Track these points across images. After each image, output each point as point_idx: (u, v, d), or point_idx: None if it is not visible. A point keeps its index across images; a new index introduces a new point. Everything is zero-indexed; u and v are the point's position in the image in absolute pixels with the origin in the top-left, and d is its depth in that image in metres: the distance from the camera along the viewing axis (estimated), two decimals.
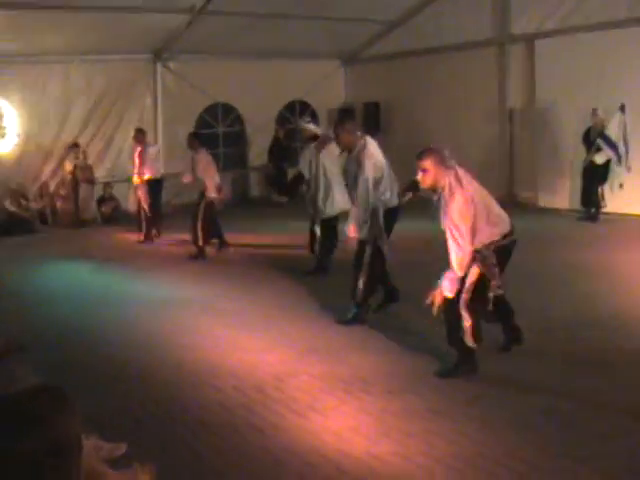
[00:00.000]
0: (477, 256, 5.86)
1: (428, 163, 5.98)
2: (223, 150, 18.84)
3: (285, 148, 18.27)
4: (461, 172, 6.00)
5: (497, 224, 6.04)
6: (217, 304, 8.81)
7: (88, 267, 11.44)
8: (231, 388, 5.99)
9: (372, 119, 18.75)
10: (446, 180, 5.89)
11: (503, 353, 6.55)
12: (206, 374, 6.35)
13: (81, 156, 15.91)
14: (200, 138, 13.04)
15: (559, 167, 15.12)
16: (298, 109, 19.76)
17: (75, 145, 16.06)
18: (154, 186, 13.70)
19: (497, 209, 6.15)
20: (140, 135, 13.82)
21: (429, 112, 17.58)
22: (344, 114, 15.30)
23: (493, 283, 5.92)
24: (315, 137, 10.57)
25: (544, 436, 4.92)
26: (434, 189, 6.00)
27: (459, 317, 5.93)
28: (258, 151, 18.87)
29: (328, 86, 19.52)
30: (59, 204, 16.15)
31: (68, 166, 15.89)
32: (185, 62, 17.39)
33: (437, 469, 4.56)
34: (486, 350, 6.63)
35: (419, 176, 6.07)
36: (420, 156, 6.09)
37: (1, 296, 9.34)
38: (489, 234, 5.92)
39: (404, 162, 18.83)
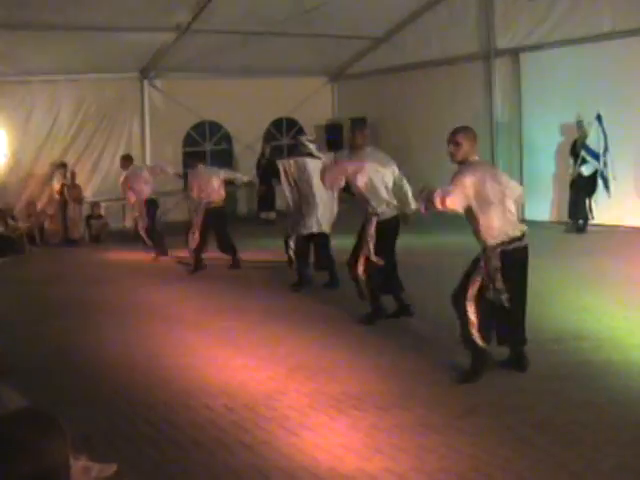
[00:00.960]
0: (484, 256, 6.17)
1: (462, 137, 6.36)
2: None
3: (272, 165, 18.26)
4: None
5: (510, 223, 6.28)
6: (205, 321, 8.78)
7: (77, 286, 11.40)
8: (222, 406, 5.96)
9: None
10: (471, 158, 6.34)
11: (495, 368, 6.53)
12: (197, 392, 6.32)
13: (69, 175, 15.90)
14: (196, 155, 14.28)
15: (545, 179, 15.18)
16: (285, 126, 19.80)
17: (62, 165, 16.05)
18: (151, 206, 13.68)
19: (514, 211, 6.44)
20: (127, 162, 13.88)
21: (416, 126, 17.64)
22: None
23: (496, 284, 6.04)
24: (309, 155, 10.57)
25: (537, 450, 4.90)
26: (461, 163, 6.34)
27: (465, 312, 6.13)
28: (246, 168, 18.83)
29: (315, 103, 19.58)
30: (47, 223, 16.12)
31: (56, 185, 15.88)
32: (172, 80, 17.41)
33: None
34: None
35: (451, 149, 6.40)
36: (456, 131, 6.45)
37: None
38: (500, 229, 6.15)
39: None
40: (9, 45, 13.96)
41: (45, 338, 8.49)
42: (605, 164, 13.59)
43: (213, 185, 12.16)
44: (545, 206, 15.18)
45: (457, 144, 6.33)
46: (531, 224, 14.47)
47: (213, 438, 5.37)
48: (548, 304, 8.73)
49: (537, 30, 15.05)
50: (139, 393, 6.41)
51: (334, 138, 19.15)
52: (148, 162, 17.46)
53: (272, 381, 6.52)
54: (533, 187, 15.37)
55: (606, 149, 13.57)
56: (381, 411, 5.72)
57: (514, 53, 15.58)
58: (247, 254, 12.99)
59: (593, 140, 13.65)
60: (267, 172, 17.80)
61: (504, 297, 6.06)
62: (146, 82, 17.26)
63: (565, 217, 14.37)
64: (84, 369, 7.20)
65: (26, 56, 14.62)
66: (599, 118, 13.55)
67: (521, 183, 15.50)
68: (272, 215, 17.73)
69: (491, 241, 6.14)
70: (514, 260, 6.20)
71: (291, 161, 10.57)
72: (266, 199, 17.86)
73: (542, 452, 4.86)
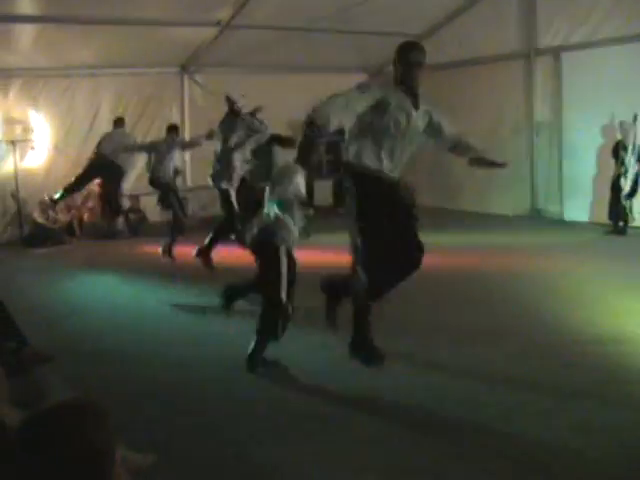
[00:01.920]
0: None
1: None
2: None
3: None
4: None
5: None
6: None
7: (116, 278, 11.50)
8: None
9: None
10: None
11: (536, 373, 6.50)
12: (238, 390, 6.35)
13: None
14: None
15: (585, 181, 15.04)
16: None
17: None
18: None
19: None
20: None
21: (454, 125, 17.51)
22: None
23: None
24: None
25: (576, 453, 4.88)
26: None
27: None
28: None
29: None
30: (86, 216, 16.29)
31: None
32: (212, 75, 17.46)
33: None
34: (512, 366, 6.63)
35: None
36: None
37: (29, 307, 9.38)
38: None
39: (428, 176, 18.93)
40: (52, 39, 14.09)
41: (85, 330, 8.59)
42: None
43: None
44: (585, 207, 15.05)
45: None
46: (570, 225, 14.66)
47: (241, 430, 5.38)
48: (588, 307, 8.66)
49: (579, 29, 14.85)
50: (179, 388, 6.46)
51: None
52: (187, 159, 17.60)
53: None
54: (573, 188, 15.29)
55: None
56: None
57: (555, 52, 15.43)
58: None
59: (631, 141, 13.53)
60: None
61: None
62: (186, 77, 17.34)
63: (605, 219, 14.23)
64: (124, 361, 7.28)
65: (68, 50, 14.75)
66: (635, 118, 13.44)
67: (560, 184, 15.51)
68: (310, 211, 17.67)
69: None
70: None
71: None
72: (307, 193, 17.83)
73: (578, 455, 4.84)
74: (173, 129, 13.89)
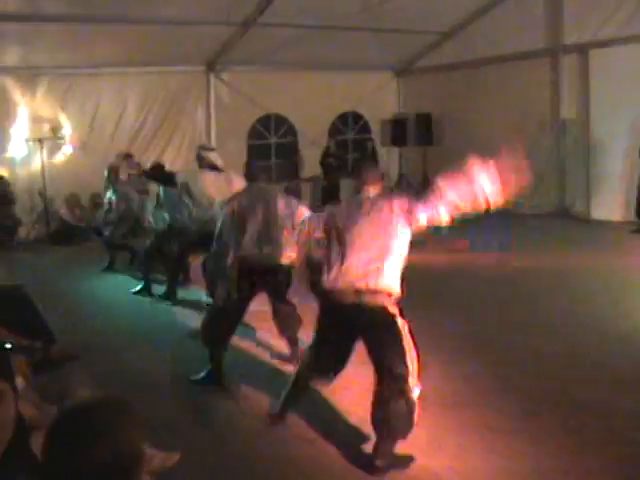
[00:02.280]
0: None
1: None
2: (275, 161, 18.96)
3: (338, 159, 18.18)
4: None
5: None
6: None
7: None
8: None
9: (424, 130, 18.72)
10: None
11: (558, 369, 6.48)
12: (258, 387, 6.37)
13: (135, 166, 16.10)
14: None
15: (612, 179, 14.91)
16: (351, 120, 19.81)
17: (128, 155, 16.25)
18: None
19: None
20: None
21: (481, 123, 17.46)
22: None
23: None
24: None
25: (602, 455, 4.84)
26: None
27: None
28: (310, 162, 18.88)
29: (381, 97, 19.54)
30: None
31: (123, 176, 16.07)
32: (238, 73, 17.50)
33: None
34: (539, 366, 6.60)
35: None
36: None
37: (55, 305, 9.45)
38: None
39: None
40: (78, 37, 14.16)
41: (111, 328, 8.65)
42: None
43: None
44: (612, 206, 14.91)
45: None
46: (597, 224, 14.56)
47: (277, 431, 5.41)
48: (613, 305, 8.61)
49: (607, 26, 14.71)
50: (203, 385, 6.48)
51: (399, 133, 19.11)
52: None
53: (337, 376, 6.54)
54: (599, 187, 15.16)
55: None
56: (444, 409, 5.72)
57: (583, 50, 15.30)
58: None
59: None
60: (332, 166, 17.83)
61: None
62: (212, 75, 17.38)
63: (632, 217, 14.10)
64: (148, 359, 7.32)
65: (95, 48, 14.82)
66: None
67: (587, 182, 15.39)
68: None
69: None
70: None
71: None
72: (331, 193, 17.86)
73: (606, 457, 4.81)
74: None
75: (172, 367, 6.94)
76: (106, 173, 12.99)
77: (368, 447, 5.05)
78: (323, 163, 18.10)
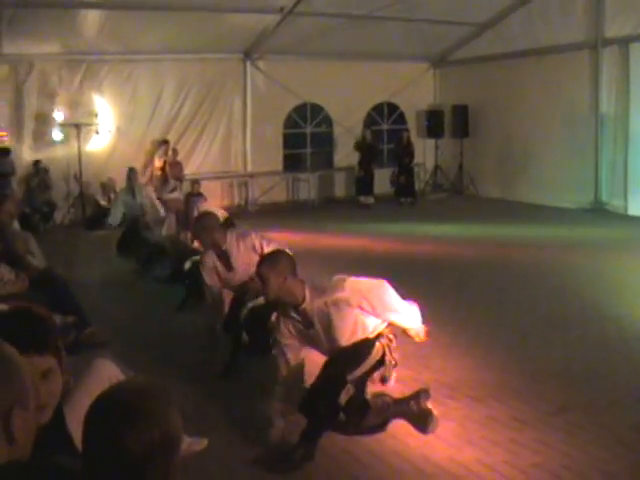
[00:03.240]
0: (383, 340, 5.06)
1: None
2: (310, 150, 18.98)
3: (372, 149, 18.14)
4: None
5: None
6: None
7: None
8: None
9: (460, 122, 18.64)
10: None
11: (590, 364, 6.43)
12: None
13: (170, 152, 16.20)
14: None
15: None
16: (386, 111, 19.75)
17: (164, 142, 16.38)
18: None
19: None
20: None
21: (518, 116, 17.36)
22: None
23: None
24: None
25: (635, 452, 4.78)
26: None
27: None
28: (345, 151, 18.89)
29: (417, 88, 19.47)
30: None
31: (158, 162, 16.20)
32: (275, 62, 17.54)
33: (520, 478, 4.48)
34: (572, 359, 6.55)
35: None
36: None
37: (87, 289, 9.52)
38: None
39: (492, 166, 18.76)
40: (116, 24, 14.26)
41: (139, 314, 8.70)
42: None
43: None
44: None
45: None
46: (634, 220, 14.39)
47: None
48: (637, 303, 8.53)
49: None
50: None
51: (434, 125, 19.04)
52: (248, 144, 17.66)
53: None
54: (637, 182, 14.96)
55: None
56: (474, 402, 5.69)
57: (623, 43, 15.09)
58: (344, 239, 13.05)
59: None
60: (367, 156, 17.80)
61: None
62: (249, 63, 17.42)
63: None
64: (178, 346, 7.36)
65: (132, 35, 14.92)
66: None
67: (625, 178, 15.20)
68: (370, 199, 17.68)
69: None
70: None
71: None
72: (365, 183, 17.84)
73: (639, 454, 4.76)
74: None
75: (203, 358, 6.92)
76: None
77: (399, 432, 5.06)
78: (358, 151, 18.07)
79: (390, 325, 5.11)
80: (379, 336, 4.97)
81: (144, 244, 11.24)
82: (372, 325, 4.95)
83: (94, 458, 1.90)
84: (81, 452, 1.93)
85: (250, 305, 6.81)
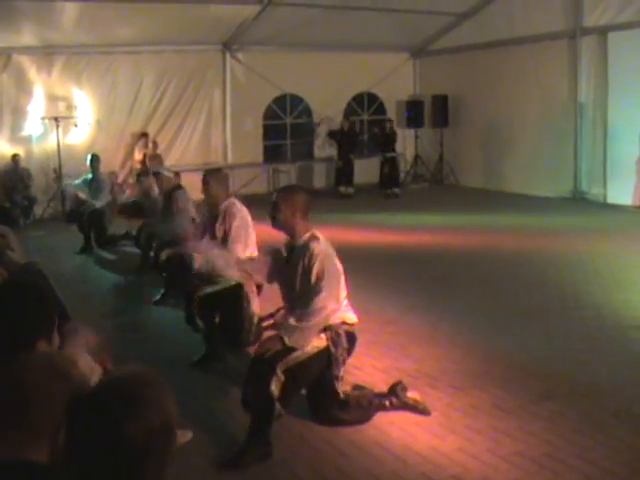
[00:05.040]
0: (329, 333, 4.96)
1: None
2: (290, 141, 18.97)
3: (351, 138, 18.09)
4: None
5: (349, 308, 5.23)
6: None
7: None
8: None
9: (440, 112, 18.65)
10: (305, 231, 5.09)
11: (571, 352, 6.46)
12: None
13: (150, 145, 16.12)
14: None
15: (629, 164, 14.74)
16: (366, 101, 19.75)
17: (144, 134, 16.30)
18: None
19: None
20: None
21: (498, 106, 17.39)
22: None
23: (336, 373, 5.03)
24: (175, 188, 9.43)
25: (615, 440, 4.81)
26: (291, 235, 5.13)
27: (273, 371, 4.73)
28: (326, 143, 18.90)
29: (397, 78, 19.47)
30: (128, 192, 16.35)
31: (138, 155, 16.12)
32: (254, 53, 17.49)
33: (503, 467, 4.51)
34: (553, 348, 6.58)
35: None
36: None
37: (67, 282, 9.49)
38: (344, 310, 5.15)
39: (472, 156, 18.81)
40: (94, 16, 14.16)
41: (121, 303, 8.68)
42: None
43: None
44: (628, 191, 14.76)
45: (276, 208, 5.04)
46: (613, 209, 14.47)
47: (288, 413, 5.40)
48: (629, 291, 8.56)
49: (627, 8, 14.48)
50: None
51: (414, 115, 19.04)
52: (228, 136, 17.61)
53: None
54: (616, 171, 15.03)
55: None
56: (457, 391, 5.70)
57: (602, 32, 15.11)
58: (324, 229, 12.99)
59: None
60: (345, 146, 17.78)
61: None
62: (228, 55, 17.36)
63: None
64: (155, 336, 7.34)
65: (110, 27, 14.82)
66: None
67: (604, 166, 15.26)
68: (350, 190, 17.68)
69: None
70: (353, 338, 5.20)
71: None
72: (344, 173, 17.84)
73: (620, 442, 4.78)
74: None
75: (180, 349, 6.91)
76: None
77: (380, 422, 5.07)
78: (335, 140, 18.03)
79: (343, 322, 5.06)
80: (325, 329, 4.91)
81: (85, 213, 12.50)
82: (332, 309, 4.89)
83: (91, 450, 1.88)
84: (68, 444, 1.91)
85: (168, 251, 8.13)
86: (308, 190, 5.56)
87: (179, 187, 9.64)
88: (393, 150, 17.97)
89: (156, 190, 10.16)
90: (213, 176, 6.85)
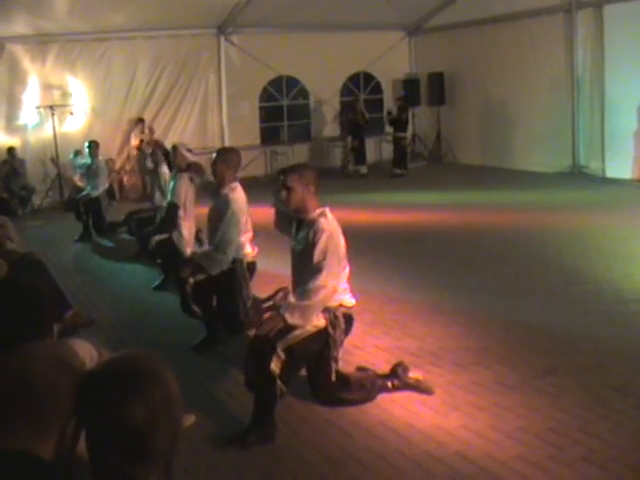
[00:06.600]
0: (327, 314, 4.95)
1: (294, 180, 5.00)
2: (287, 123, 18.93)
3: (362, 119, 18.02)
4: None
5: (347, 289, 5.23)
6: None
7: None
8: None
9: (437, 90, 18.58)
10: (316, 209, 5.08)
11: (572, 327, 6.46)
12: None
13: (147, 131, 16.08)
14: None
15: (627, 137, 14.69)
16: (362, 80, 19.68)
17: (140, 120, 16.26)
18: None
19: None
20: None
21: (494, 82, 17.33)
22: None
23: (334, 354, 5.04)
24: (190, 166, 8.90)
25: (617, 413, 4.82)
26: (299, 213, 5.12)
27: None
28: (321, 123, 18.87)
29: (392, 57, 19.40)
30: (126, 179, 16.38)
31: (134, 141, 16.09)
32: (249, 36, 17.41)
33: (506, 443, 4.51)
34: (554, 323, 6.58)
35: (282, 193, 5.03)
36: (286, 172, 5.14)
37: (69, 271, 9.51)
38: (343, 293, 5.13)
39: (469, 133, 18.76)
40: (88, 4, 14.11)
41: (125, 295, 8.68)
42: None
43: None
44: (627, 164, 14.71)
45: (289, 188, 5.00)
46: (612, 182, 14.44)
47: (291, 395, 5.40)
48: (629, 264, 8.55)
49: None
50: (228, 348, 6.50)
51: (411, 93, 18.95)
52: (225, 119, 17.57)
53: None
54: (614, 145, 14.97)
55: None
56: (459, 368, 5.71)
57: (597, 5, 15.00)
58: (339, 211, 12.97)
59: None
60: (359, 126, 17.74)
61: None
62: (223, 38, 17.28)
63: None
64: (154, 321, 7.35)
65: (103, 14, 14.75)
66: None
67: (602, 140, 15.21)
68: (364, 169, 17.69)
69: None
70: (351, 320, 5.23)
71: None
72: (358, 153, 17.82)
73: (622, 415, 4.79)
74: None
75: (180, 334, 6.91)
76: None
77: (384, 401, 5.08)
78: (346, 123, 18.01)
79: (341, 305, 5.06)
80: (323, 310, 4.91)
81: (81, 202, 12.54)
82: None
83: (96, 431, 1.90)
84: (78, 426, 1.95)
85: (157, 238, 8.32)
86: (315, 167, 5.59)
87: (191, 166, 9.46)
88: (403, 130, 17.90)
89: (164, 166, 10.19)
90: (221, 156, 6.91)
